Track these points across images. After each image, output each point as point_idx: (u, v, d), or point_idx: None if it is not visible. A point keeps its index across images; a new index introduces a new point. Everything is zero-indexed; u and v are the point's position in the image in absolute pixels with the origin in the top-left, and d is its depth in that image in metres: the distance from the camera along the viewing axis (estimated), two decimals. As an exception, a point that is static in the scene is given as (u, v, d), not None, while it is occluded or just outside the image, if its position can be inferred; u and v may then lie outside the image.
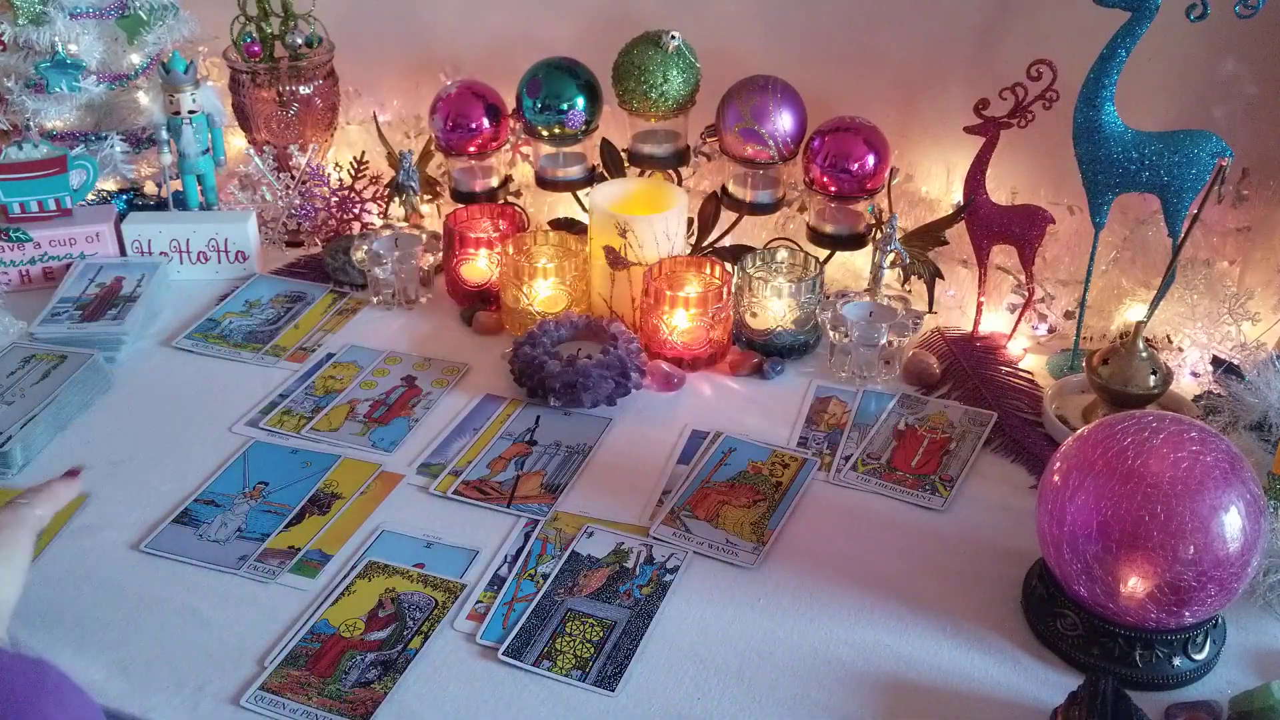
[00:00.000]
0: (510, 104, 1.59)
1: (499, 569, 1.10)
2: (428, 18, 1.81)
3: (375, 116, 1.77)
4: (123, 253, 1.59)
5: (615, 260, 1.41)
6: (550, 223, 1.64)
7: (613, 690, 0.97)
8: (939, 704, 0.97)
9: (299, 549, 1.13)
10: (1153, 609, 0.94)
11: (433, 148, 1.66)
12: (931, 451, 1.27)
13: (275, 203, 1.69)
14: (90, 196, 1.65)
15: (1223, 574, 0.92)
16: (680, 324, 1.38)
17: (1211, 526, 0.91)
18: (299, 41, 1.70)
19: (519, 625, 1.03)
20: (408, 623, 1.04)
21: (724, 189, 1.55)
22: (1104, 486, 0.94)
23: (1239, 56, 1.35)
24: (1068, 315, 1.45)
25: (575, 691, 0.97)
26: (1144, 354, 1.21)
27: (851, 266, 1.58)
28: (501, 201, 1.63)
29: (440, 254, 1.54)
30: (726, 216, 1.56)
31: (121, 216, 1.61)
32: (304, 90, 1.72)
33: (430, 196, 1.69)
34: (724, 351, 1.42)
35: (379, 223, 1.67)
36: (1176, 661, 0.98)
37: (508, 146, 1.64)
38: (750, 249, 1.50)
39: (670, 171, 1.58)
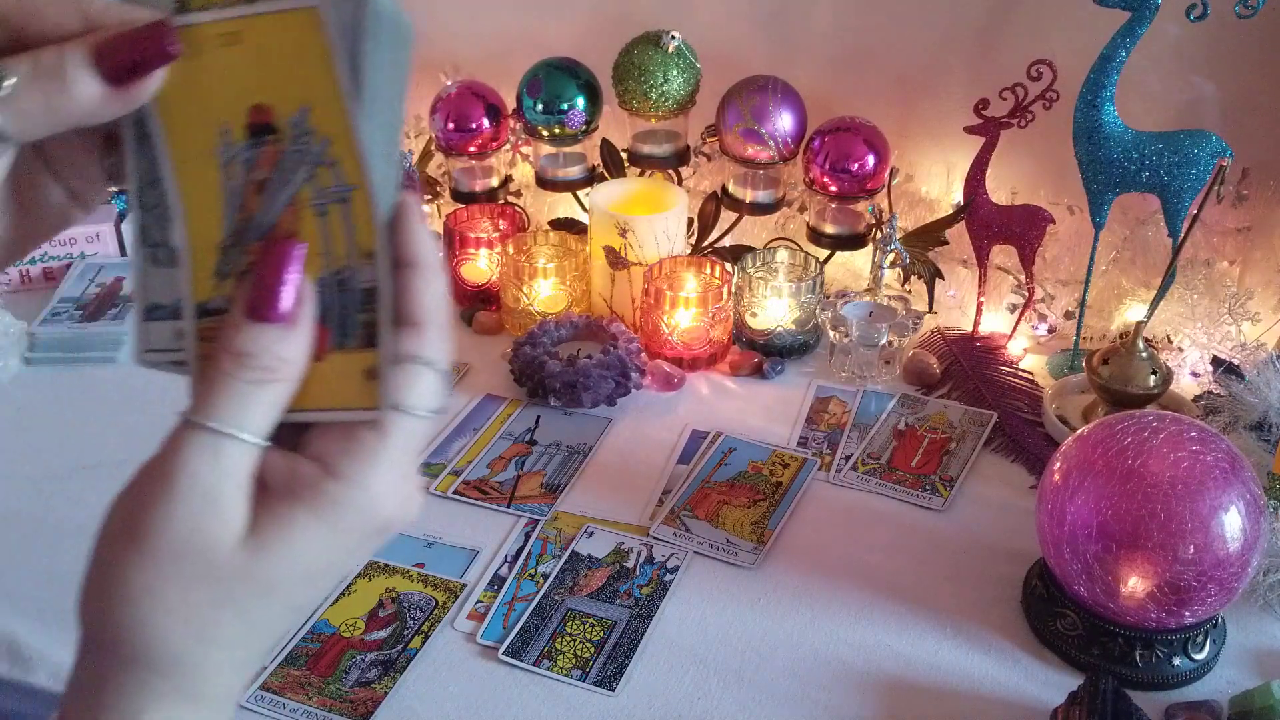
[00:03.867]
0: (510, 104, 1.59)
1: (499, 569, 1.10)
2: (427, 18, 1.79)
3: (375, 116, 1.77)
4: (123, 253, 1.58)
5: (615, 260, 1.41)
6: (550, 223, 1.64)
7: (613, 690, 0.97)
8: (939, 704, 0.97)
9: (299, 549, 1.13)
10: (1153, 609, 0.94)
11: (433, 148, 1.65)
12: (931, 451, 1.27)
13: (275, 203, 1.68)
14: (90, 196, 1.65)
15: (1223, 574, 0.92)
16: (680, 324, 1.38)
17: (1211, 526, 0.91)
18: (299, 41, 1.70)
19: (519, 625, 1.03)
20: (408, 622, 1.04)
21: (724, 189, 1.55)
22: (1104, 486, 0.94)
23: (1239, 56, 1.35)
24: (1068, 315, 1.45)
25: (575, 691, 0.97)
26: (1144, 354, 1.21)
27: (851, 266, 1.57)
28: (501, 201, 1.63)
29: (440, 254, 1.53)
30: (726, 216, 1.56)
31: (122, 216, 1.61)
32: (304, 90, 1.72)
33: (430, 196, 1.69)
34: (724, 351, 1.42)
35: (379, 223, 1.67)
36: (1176, 661, 0.98)
37: (508, 146, 1.64)
38: (750, 249, 1.50)
39: (670, 171, 1.58)
